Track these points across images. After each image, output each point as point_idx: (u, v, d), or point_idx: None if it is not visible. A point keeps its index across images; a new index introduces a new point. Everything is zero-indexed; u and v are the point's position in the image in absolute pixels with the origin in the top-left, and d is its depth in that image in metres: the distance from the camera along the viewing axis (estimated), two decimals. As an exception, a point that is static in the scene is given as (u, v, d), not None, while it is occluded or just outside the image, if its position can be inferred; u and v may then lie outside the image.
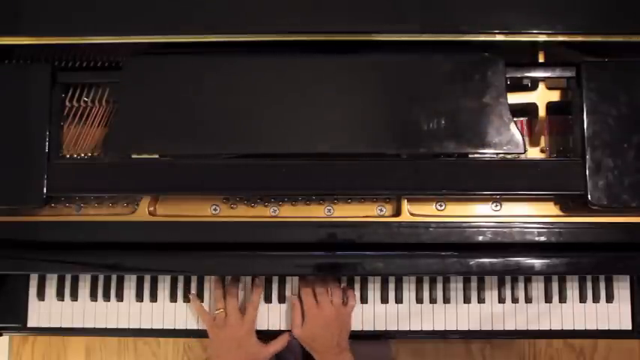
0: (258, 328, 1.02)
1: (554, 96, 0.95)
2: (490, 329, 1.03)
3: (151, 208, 0.97)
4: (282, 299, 1.04)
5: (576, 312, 1.03)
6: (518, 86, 0.97)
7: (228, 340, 0.99)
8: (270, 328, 1.03)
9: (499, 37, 0.90)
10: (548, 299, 1.03)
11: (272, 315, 1.03)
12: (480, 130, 0.89)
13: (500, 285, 1.03)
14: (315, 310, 0.98)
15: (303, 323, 0.99)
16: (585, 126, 0.89)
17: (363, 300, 1.03)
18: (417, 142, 0.90)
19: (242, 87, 0.91)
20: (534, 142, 0.98)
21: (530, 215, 0.94)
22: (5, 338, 1.69)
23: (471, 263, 0.92)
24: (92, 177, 0.93)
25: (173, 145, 0.92)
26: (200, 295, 1.04)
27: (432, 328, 1.03)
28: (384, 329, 1.03)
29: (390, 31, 0.91)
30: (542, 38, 0.91)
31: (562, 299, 1.03)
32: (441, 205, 0.96)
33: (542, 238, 0.92)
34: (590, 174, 0.88)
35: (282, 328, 1.03)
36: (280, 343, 1.01)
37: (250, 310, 1.00)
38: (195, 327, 1.04)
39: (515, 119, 0.90)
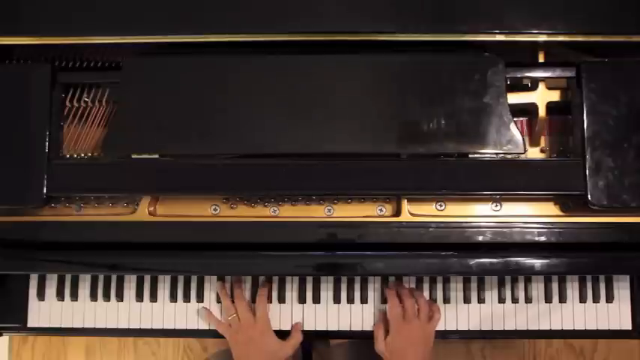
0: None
1: (554, 96, 0.95)
2: (490, 329, 1.03)
3: (151, 208, 0.97)
4: (282, 299, 1.04)
5: (576, 312, 1.03)
6: (518, 86, 0.97)
7: (247, 343, 0.98)
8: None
9: (499, 37, 0.90)
10: (548, 299, 1.03)
11: (272, 315, 1.03)
12: (480, 130, 0.89)
13: (500, 285, 1.03)
14: (401, 324, 0.96)
15: (387, 337, 0.97)
16: (585, 126, 0.89)
17: (363, 300, 1.03)
18: (417, 142, 0.90)
19: (242, 87, 0.91)
20: (534, 142, 0.98)
21: (530, 215, 0.94)
22: (5, 338, 1.69)
23: (471, 263, 0.92)
24: (92, 177, 0.93)
25: (173, 145, 0.92)
26: (200, 295, 1.04)
27: (432, 328, 1.03)
28: (385, 329, 1.03)
29: (390, 31, 0.91)
30: (542, 38, 0.91)
31: (562, 299, 1.03)
32: (441, 205, 0.96)
33: (542, 238, 0.92)
34: (590, 174, 0.88)
35: (282, 328, 1.03)
36: (297, 336, 1.01)
37: (260, 308, 1.00)
38: (195, 327, 1.04)
39: (515, 119, 0.90)
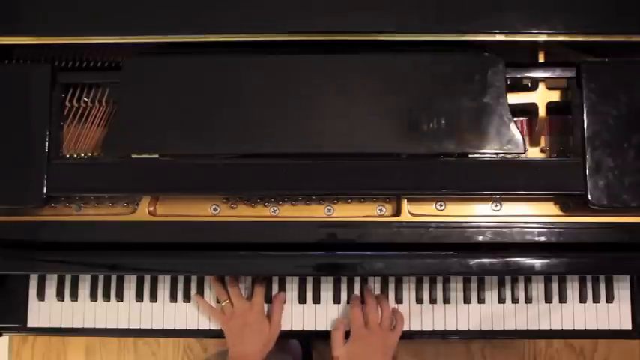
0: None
1: (554, 96, 0.95)
2: (490, 329, 1.03)
3: (151, 208, 0.97)
4: (282, 299, 1.04)
5: (576, 312, 1.03)
6: (518, 86, 0.97)
7: (241, 327, 0.98)
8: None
9: (499, 37, 0.90)
10: (548, 299, 1.03)
11: (272, 315, 1.03)
12: (480, 130, 0.89)
13: (500, 285, 1.03)
14: (363, 332, 0.96)
15: (347, 343, 0.97)
16: (585, 126, 0.89)
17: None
18: (417, 142, 0.90)
19: (242, 87, 0.91)
20: (534, 142, 0.98)
21: (530, 215, 0.94)
22: (5, 338, 1.69)
23: (470, 263, 0.92)
24: (92, 177, 0.93)
25: (173, 145, 0.92)
26: (200, 295, 1.04)
27: (432, 328, 1.03)
28: (384, 329, 1.03)
29: (390, 30, 0.91)
30: (542, 38, 0.91)
31: (562, 299, 1.03)
32: (441, 205, 0.96)
33: (542, 238, 0.92)
34: (590, 174, 0.88)
35: (282, 329, 1.03)
36: (278, 307, 1.01)
37: (257, 293, 1.00)
38: (195, 327, 1.04)
39: (515, 119, 0.90)
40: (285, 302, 1.03)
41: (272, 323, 0.99)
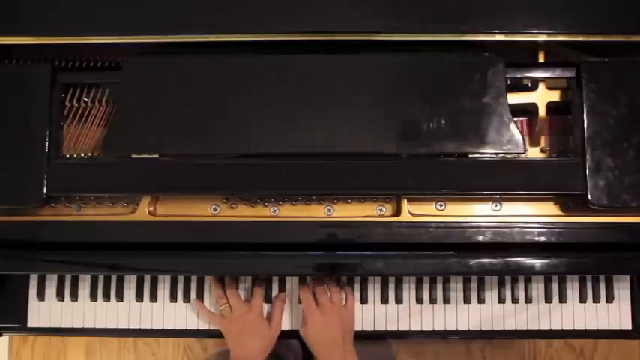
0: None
1: (554, 96, 0.95)
2: (490, 329, 1.03)
3: (151, 208, 0.97)
4: (282, 299, 1.04)
5: (576, 312, 1.03)
6: (518, 86, 0.97)
7: (241, 330, 0.98)
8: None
9: (499, 37, 0.90)
10: (548, 299, 1.03)
11: (272, 315, 1.03)
12: (480, 130, 0.89)
13: (500, 285, 1.03)
14: (315, 311, 0.98)
15: (305, 326, 0.98)
16: (585, 126, 0.89)
17: (363, 300, 1.03)
18: (417, 142, 0.90)
19: (242, 87, 0.91)
20: (534, 142, 0.98)
21: (530, 215, 0.94)
22: (5, 338, 1.69)
23: (470, 263, 0.92)
24: (92, 177, 0.93)
25: (173, 145, 0.92)
26: (200, 295, 1.04)
27: (432, 328, 1.03)
28: (384, 329, 1.03)
29: (390, 30, 0.91)
30: (542, 38, 0.91)
31: (562, 299, 1.03)
32: (441, 205, 0.96)
33: (542, 238, 0.92)
34: (590, 174, 0.88)
35: (282, 328, 1.03)
36: (279, 307, 1.01)
37: (257, 295, 1.01)
38: (195, 327, 1.04)
39: (515, 119, 0.90)
40: (285, 302, 1.03)
41: (272, 324, 1.00)
